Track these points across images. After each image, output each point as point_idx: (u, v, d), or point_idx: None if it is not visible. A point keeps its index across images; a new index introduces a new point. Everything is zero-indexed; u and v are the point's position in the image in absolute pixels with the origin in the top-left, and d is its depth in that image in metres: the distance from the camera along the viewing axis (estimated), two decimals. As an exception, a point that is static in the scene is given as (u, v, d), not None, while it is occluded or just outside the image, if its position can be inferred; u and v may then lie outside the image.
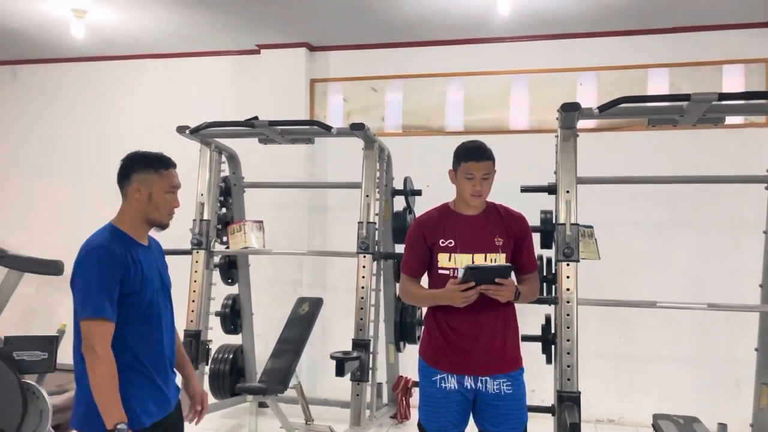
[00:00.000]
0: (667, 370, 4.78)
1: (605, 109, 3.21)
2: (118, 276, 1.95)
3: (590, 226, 3.51)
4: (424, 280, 2.61)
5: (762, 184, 3.74)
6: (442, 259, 2.47)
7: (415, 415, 4.82)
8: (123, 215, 2.11)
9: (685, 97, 3.07)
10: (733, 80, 4.76)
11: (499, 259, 2.44)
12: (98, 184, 5.89)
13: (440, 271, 2.48)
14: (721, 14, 4.58)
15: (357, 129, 4.00)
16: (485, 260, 2.43)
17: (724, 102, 3.18)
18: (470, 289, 2.33)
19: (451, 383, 2.46)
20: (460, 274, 2.40)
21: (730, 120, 4.01)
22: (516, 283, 2.46)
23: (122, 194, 2.12)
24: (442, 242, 2.47)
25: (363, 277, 4.02)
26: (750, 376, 3.85)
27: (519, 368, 2.51)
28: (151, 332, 2.07)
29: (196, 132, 4.19)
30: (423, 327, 2.61)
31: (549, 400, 3.76)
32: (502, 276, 2.34)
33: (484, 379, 2.44)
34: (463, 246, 2.45)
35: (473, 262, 2.43)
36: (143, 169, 2.09)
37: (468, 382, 2.45)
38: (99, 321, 1.92)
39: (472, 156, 2.47)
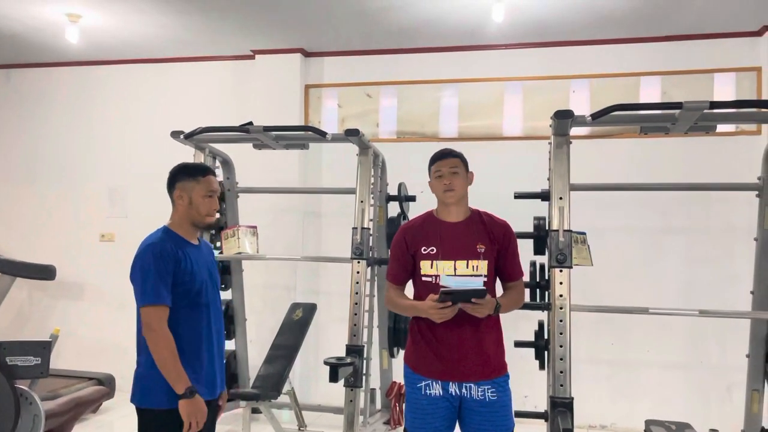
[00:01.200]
0: (660, 376, 4.80)
1: (598, 116, 3.24)
2: (170, 267, 2.24)
3: (583, 233, 3.53)
4: (409, 288, 2.62)
5: (753, 191, 3.77)
6: (425, 267, 2.49)
7: (408, 420, 4.85)
8: (173, 218, 2.41)
9: (677, 105, 3.10)
10: (724, 88, 4.81)
11: (481, 265, 2.45)
12: (91, 189, 5.89)
13: (423, 279, 2.49)
14: (713, 23, 4.63)
15: (352, 135, 4.01)
16: (467, 267, 2.44)
17: (715, 110, 3.22)
18: (447, 308, 2.35)
19: (436, 389, 2.46)
20: (443, 281, 2.43)
21: (721, 128, 4.05)
22: (496, 297, 2.45)
23: (171, 201, 2.42)
24: (424, 249, 2.49)
25: (357, 282, 4.02)
26: (741, 382, 3.87)
27: (503, 374, 2.50)
28: (200, 318, 2.33)
29: (190, 137, 4.18)
30: (408, 334, 2.61)
31: (542, 405, 3.77)
32: (477, 297, 2.34)
33: (468, 385, 2.44)
34: (445, 253, 2.46)
35: (455, 269, 2.44)
36: (184, 177, 2.39)
37: (452, 388, 2.45)
38: (157, 307, 2.21)
39: (437, 156, 2.59)
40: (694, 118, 3.19)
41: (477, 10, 4.41)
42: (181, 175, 2.40)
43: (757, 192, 3.74)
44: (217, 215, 4.64)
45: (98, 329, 5.68)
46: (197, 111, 5.43)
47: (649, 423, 3.84)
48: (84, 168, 5.93)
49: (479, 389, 2.44)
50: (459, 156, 2.59)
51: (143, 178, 5.55)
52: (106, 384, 4.88)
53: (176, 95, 5.74)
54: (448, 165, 2.53)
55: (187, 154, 4.35)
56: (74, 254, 5.86)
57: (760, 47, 4.71)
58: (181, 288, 2.28)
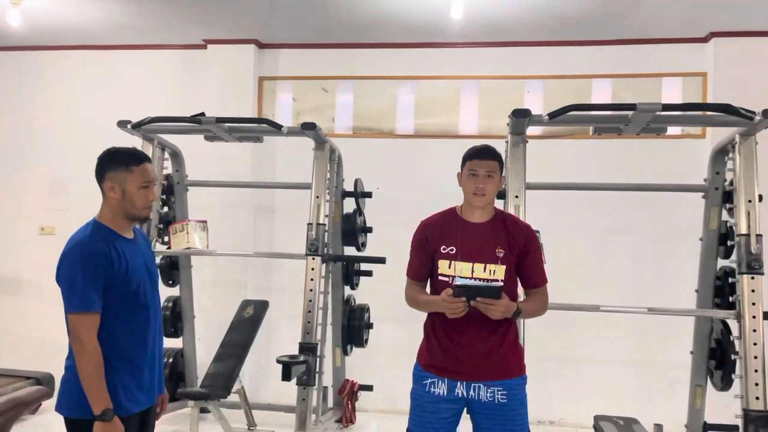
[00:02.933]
0: (607, 373, 4.91)
1: (555, 116, 3.27)
2: (101, 269, 2.03)
3: (537, 231, 3.56)
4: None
5: (698, 192, 3.90)
6: (442, 266, 2.41)
7: (360, 419, 4.82)
8: (103, 211, 2.17)
9: (631, 107, 3.16)
10: (672, 92, 4.95)
11: (498, 270, 2.36)
12: (31, 180, 5.63)
13: (440, 278, 2.41)
14: (662, 29, 4.75)
15: (308, 129, 3.94)
16: (484, 270, 2.36)
17: (667, 112, 3.30)
18: (460, 303, 2.26)
19: (441, 389, 2.39)
20: (458, 281, 2.35)
21: (669, 131, 4.16)
22: (517, 302, 2.37)
23: (101, 192, 2.18)
24: (444, 248, 2.40)
25: (311, 279, 3.96)
26: (685, 379, 4.00)
27: (517, 377, 2.42)
28: (138, 320, 2.14)
29: (138, 127, 4.04)
30: (424, 334, 2.52)
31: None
32: (490, 295, 2.24)
33: (476, 385, 2.36)
34: (464, 254, 2.38)
35: (473, 271, 2.36)
36: (115, 166, 2.14)
37: (460, 389, 2.37)
38: (85, 314, 2.01)
39: (477, 154, 2.45)
40: (647, 120, 3.26)
41: (436, 6, 4.40)
42: (111, 164, 2.15)
43: (702, 193, 3.87)
44: (165, 208, 4.55)
45: (37, 327, 5.43)
46: (145, 101, 5.24)
47: (597, 418, 3.93)
48: (23, 158, 5.66)
49: (488, 390, 2.36)
50: (498, 159, 2.45)
51: (87, 169, 5.22)
52: (46, 384, 4.68)
53: (123, 84, 5.54)
54: (486, 167, 2.40)
55: (135, 145, 4.19)
56: (11, 248, 5.60)
57: (706, 53, 4.86)
58: (117, 290, 2.07)
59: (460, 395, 2.38)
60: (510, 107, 3.45)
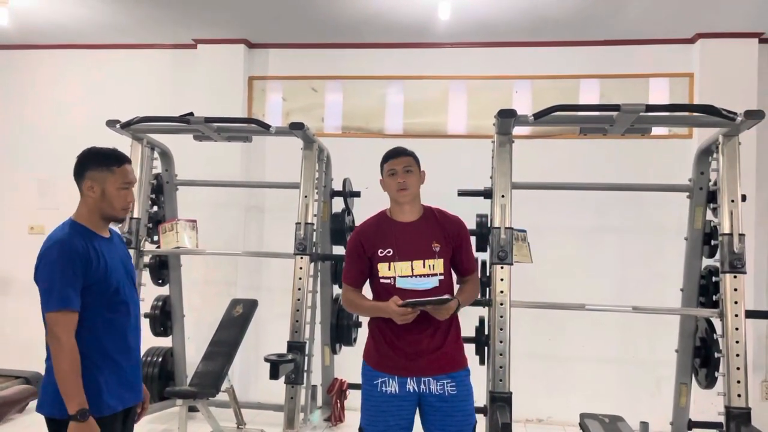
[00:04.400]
0: (594, 371, 4.95)
1: (540, 116, 3.30)
2: (79, 267, 2.02)
3: (524, 230, 3.60)
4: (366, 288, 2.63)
5: (684, 192, 3.93)
6: (382, 269, 2.49)
7: (349, 417, 4.83)
8: (80, 211, 2.17)
9: (615, 108, 3.19)
10: (659, 93, 4.99)
11: (437, 264, 2.47)
12: (20, 179, 5.62)
13: (381, 281, 2.50)
14: (649, 29, 4.79)
15: (296, 128, 3.95)
16: (423, 266, 2.46)
17: (651, 113, 3.34)
18: (411, 314, 2.38)
19: (392, 387, 2.46)
20: (399, 284, 2.44)
21: (655, 131, 4.20)
22: (453, 295, 2.49)
23: (79, 191, 2.17)
24: (381, 252, 2.49)
25: (300, 278, 3.97)
26: (670, 377, 4.04)
27: (463, 369, 2.53)
28: (118, 318, 2.15)
29: (127, 126, 4.04)
30: (368, 332, 2.61)
31: (482, 400, 3.82)
32: (441, 305, 2.38)
33: (426, 380, 2.45)
34: (402, 254, 2.47)
35: (412, 269, 2.46)
36: (95, 166, 2.14)
37: (410, 385, 2.46)
38: (63, 312, 1.99)
39: (390, 155, 2.58)
40: (631, 121, 3.29)
41: (424, 7, 4.42)
42: (91, 164, 2.14)
43: (687, 193, 3.91)
44: (155, 208, 4.55)
45: (25, 326, 5.41)
46: (135, 100, 5.25)
47: (583, 416, 3.96)
48: (13, 157, 5.64)
49: (438, 384, 2.45)
50: (412, 155, 2.60)
51: (76, 168, 5.32)
52: (34, 383, 4.68)
53: (113, 83, 5.53)
54: (402, 163, 2.53)
55: (124, 145, 4.18)
56: (0, 247, 5.57)
57: (693, 54, 4.90)
58: (96, 288, 2.06)
59: (411, 390, 2.46)
60: (498, 107, 3.47)
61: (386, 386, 2.47)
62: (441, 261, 2.48)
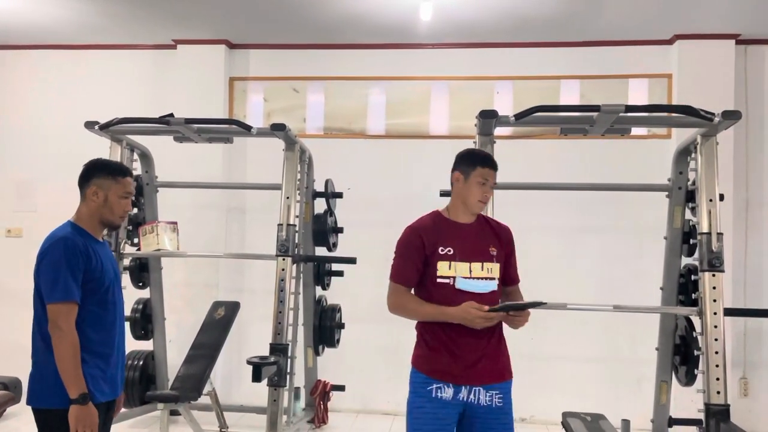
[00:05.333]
0: (576, 369, 4.98)
1: (521, 117, 3.32)
2: (81, 263, 2.19)
3: (506, 231, 3.60)
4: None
5: (663, 192, 3.98)
6: (442, 268, 2.38)
7: (333, 419, 4.82)
8: (80, 214, 2.33)
9: (595, 108, 3.22)
10: (638, 93, 5.04)
11: (494, 268, 2.41)
12: (-3, 181, 5.54)
13: (438, 280, 2.38)
14: (628, 31, 4.84)
15: (278, 129, 3.94)
16: (482, 269, 2.39)
17: (630, 114, 3.37)
18: (496, 317, 2.32)
19: (447, 393, 2.37)
20: (459, 284, 2.35)
21: (635, 131, 4.24)
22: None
23: (81, 195, 2.33)
24: (442, 250, 2.38)
25: (282, 280, 3.96)
26: (651, 374, 4.08)
27: (510, 379, 2.46)
28: (107, 315, 2.29)
29: (106, 128, 4.00)
30: (417, 337, 2.47)
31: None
32: (532, 308, 2.33)
33: (477, 389, 2.37)
34: (462, 254, 2.38)
35: (470, 270, 2.38)
36: (102, 174, 2.32)
37: (463, 393, 2.37)
38: (66, 304, 2.15)
39: (490, 163, 2.47)
40: (611, 121, 3.32)
41: (405, 7, 4.43)
42: (99, 171, 2.33)
43: (666, 193, 3.95)
44: (135, 210, 4.50)
45: (3, 330, 5.33)
46: (114, 101, 5.19)
47: (565, 415, 3.98)
48: (-12, 158, 5.56)
49: (487, 394, 2.37)
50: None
51: (55, 170, 5.26)
52: (12, 388, 4.59)
53: (91, 84, 5.47)
54: (494, 178, 2.45)
55: (103, 146, 4.14)
56: (-24, 251, 5.48)
57: (671, 55, 4.96)
58: (91, 285, 2.23)
59: (462, 398, 2.37)
60: (480, 107, 3.49)
61: (441, 392, 2.36)
62: (498, 266, 2.42)
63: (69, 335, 2.14)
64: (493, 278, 2.41)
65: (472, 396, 2.37)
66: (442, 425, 2.37)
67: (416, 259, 2.41)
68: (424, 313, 2.41)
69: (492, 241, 2.46)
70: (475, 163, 2.46)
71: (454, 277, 2.37)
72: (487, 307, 2.30)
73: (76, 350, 2.15)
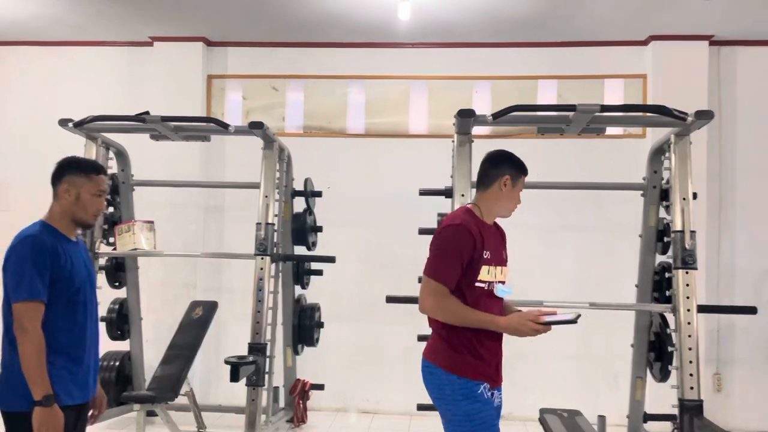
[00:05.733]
0: (553, 367, 5.03)
1: (498, 116, 3.34)
2: (48, 262, 2.14)
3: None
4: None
5: (638, 191, 4.03)
6: (483, 272, 2.29)
7: (312, 418, 4.81)
8: (52, 212, 2.28)
9: (571, 108, 3.25)
10: (614, 93, 5.10)
11: (506, 272, 2.41)
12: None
13: (477, 284, 2.28)
14: (605, 32, 4.89)
15: (256, 128, 3.92)
16: (501, 273, 2.37)
17: (605, 113, 3.41)
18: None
19: (490, 392, 2.34)
20: (499, 292, 2.33)
21: (611, 131, 4.29)
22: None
23: (53, 193, 2.28)
24: (485, 253, 2.30)
25: (261, 279, 3.94)
26: (627, 371, 4.13)
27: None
28: (76, 316, 2.23)
29: (80, 125, 3.95)
30: (448, 344, 2.31)
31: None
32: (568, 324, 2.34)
33: (498, 390, 2.40)
34: (494, 259, 2.35)
35: (496, 276, 2.34)
36: (75, 171, 2.27)
37: (496, 395, 2.38)
38: (31, 302, 2.10)
39: (525, 170, 2.48)
40: (587, 120, 3.36)
41: (383, 7, 4.43)
42: (72, 169, 2.28)
43: (642, 191, 4.00)
44: (111, 209, 4.44)
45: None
46: (90, 99, 5.13)
47: (542, 411, 4.02)
48: (-41, 156, 5.45)
49: (499, 395, 2.41)
50: None
51: (28, 168, 5.18)
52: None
53: (67, 81, 5.39)
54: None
55: (78, 144, 4.09)
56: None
57: (646, 56, 5.03)
58: (60, 285, 2.17)
59: (496, 402, 2.39)
60: (459, 107, 3.51)
61: (487, 391, 2.32)
62: (507, 269, 2.43)
63: (33, 335, 2.08)
64: (503, 281, 2.39)
65: (497, 398, 2.39)
66: (494, 419, 2.34)
67: (464, 259, 2.26)
68: (473, 320, 2.27)
69: (504, 245, 2.48)
70: (522, 171, 2.45)
71: (491, 282, 2.31)
72: (543, 319, 2.26)
73: (40, 350, 2.08)
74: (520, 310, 2.39)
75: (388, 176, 5.17)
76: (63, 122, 3.98)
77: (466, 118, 3.39)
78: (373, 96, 5.28)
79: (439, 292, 2.27)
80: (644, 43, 5.01)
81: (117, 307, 4.59)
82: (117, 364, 4.55)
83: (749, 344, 4.96)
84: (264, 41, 5.24)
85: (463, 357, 2.30)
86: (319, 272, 4.76)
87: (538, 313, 2.29)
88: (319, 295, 4.86)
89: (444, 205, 3.81)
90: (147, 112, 3.85)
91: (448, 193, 3.68)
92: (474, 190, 3.46)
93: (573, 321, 2.33)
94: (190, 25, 4.96)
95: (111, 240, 4.33)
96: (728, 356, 4.99)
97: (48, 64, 5.43)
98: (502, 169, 2.42)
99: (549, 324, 2.29)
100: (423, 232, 3.86)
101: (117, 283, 4.60)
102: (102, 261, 4.34)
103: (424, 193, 3.98)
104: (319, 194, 4.77)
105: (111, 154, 4.36)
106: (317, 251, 4.76)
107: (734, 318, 4.93)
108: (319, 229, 4.78)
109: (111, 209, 4.49)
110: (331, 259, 4.38)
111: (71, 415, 2.19)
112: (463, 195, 3.45)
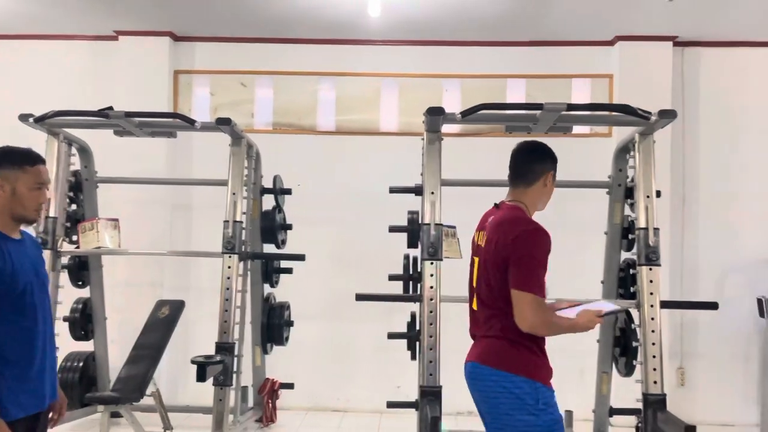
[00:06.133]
0: (522, 363, 5.07)
1: (467, 114, 3.35)
2: None
3: (453, 227, 3.64)
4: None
5: (604, 189, 4.09)
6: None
7: (281, 417, 4.77)
8: None
9: (539, 107, 3.28)
10: (581, 93, 5.17)
11: None
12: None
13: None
14: (572, 32, 4.96)
15: (223, 124, 3.87)
16: None
17: (572, 112, 3.45)
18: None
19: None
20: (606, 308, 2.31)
21: (577, 129, 4.35)
22: None
23: None
24: None
25: (228, 278, 3.89)
26: (593, 366, 4.19)
27: None
28: (24, 322, 2.07)
29: (41, 121, 3.84)
30: (527, 350, 2.20)
31: (414, 395, 3.86)
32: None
33: None
34: None
35: None
36: (7, 164, 2.10)
37: None
38: None
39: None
40: (553, 119, 3.39)
41: (354, 3, 4.41)
42: (3, 162, 2.09)
43: (607, 189, 4.06)
44: (74, 206, 4.35)
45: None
46: (52, 94, 5.02)
47: (511, 407, 4.05)
48: None
49: None
50: None
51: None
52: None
53: (28, 76, 5.25)
54: None
55: (40, 141, 3.98)
56: None
57: (613, 56, 5.10)
58: (1, 289, 2.00)
59: None
60: (429, 105, 3.50)
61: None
62: None
63: None
64: None
65: None
66: None
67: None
68: (565, 327, 2.21)
69: None
70: (555, 162, 2.38)
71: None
72: (603, 311, 2.24)
73: None
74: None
75: (358, 174, 5.15)
76: (23, 117, 3.87)
77: (435, 116, 3.40)
78: (344, 93, 5.26)
79: (543, 306, 2.13)
80: (611, 43, 5.09)
81: (80, 306, 4.50)
82: (81, 364, 4.46)
83: (712, 339, 5.07)
84: (232, 36, 5.18)
85: (544, 362, 2.21)
86: (289, 270, 4.73)
87: (596, 310, 2.27)
88: (288, 293, 4.82)
89: (414, 203, 3.82)
90: (111, 108, 3.77)
91: (418, 190, 3.69)
92: (443, 188, 3.51)
93: (621, 311, 2.35)
94: (156, 19, 4.87)
95: (74, 238, 4.24)
96: (692, 351, 5.11)
97: (8, 58, 5.29)
98: (546, 164, 2.36)
99: (604, 316, 2.28)
100: (393, 229, 3.86)
101: (80, 282, 4.51)
102: (65, 260, 4.24)
103: (394, 190, 3.98)
104: (288, 192, 4.74)
105: (74, 151, 4.26)
106: (287, 249, 4.72)
107: (697, 313, 5.04)
108: (289, 227, 4.75)
109: (74, 207, 4.39)
110: (300, 257, 4.35)
111: (24, 427, 2.07)
112: (432, 193, 3.45)
